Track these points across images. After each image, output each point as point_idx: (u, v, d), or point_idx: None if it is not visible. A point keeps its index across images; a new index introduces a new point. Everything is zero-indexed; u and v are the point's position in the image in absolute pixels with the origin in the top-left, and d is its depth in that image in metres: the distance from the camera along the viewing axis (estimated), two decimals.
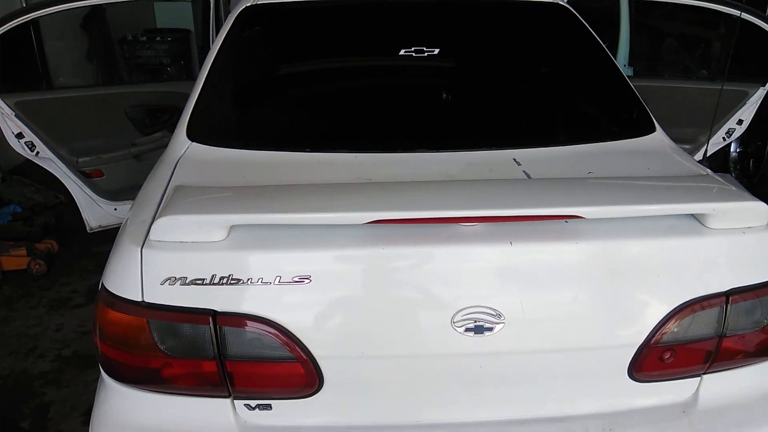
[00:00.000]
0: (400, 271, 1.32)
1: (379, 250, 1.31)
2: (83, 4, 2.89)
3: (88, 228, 3.18)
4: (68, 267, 3.69)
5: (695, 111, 3.30)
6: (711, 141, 3.42)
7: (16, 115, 2.81)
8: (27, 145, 2.90)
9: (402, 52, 2.08)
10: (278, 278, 1.30)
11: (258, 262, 1.31)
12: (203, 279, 1.29)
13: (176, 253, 1.31)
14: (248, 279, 1.30)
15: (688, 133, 3.31)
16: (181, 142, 1.83)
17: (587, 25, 2.30)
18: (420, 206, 1.30)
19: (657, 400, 1.47)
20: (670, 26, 6.37)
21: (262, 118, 1.99)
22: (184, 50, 7.29)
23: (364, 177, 1.60)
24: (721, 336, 1.42)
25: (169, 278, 1.30)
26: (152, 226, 1.30)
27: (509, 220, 1.32)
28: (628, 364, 1.41)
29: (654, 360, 1.41)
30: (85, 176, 3.08)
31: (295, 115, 1.97)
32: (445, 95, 2.05)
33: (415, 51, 2.07)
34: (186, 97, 3.18)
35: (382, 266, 1.32)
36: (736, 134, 3.44)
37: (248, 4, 2.24)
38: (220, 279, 1.29)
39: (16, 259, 3.56)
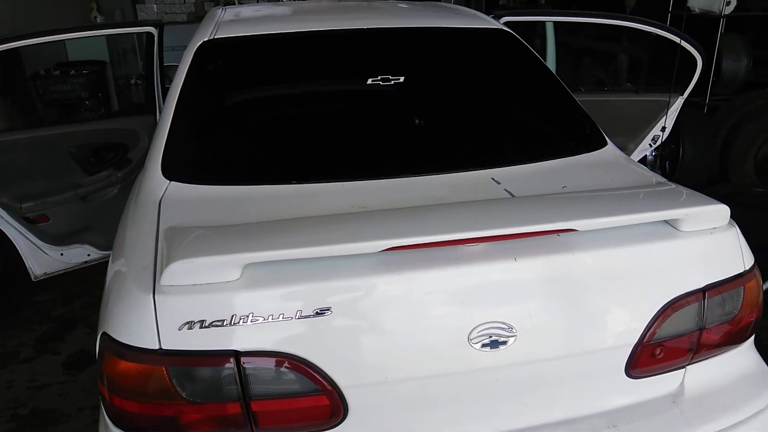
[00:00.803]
0: (417, 294, 1.37)
1: (396, 276, 1.35)
2: (26, 42, 2.78)
3: (32, 277, 3.01)
4: (9, 319, 3.46)
5: (623, 121, 3.57)
6: (639, 148, 3.72)
7: None
8: None
9: (369, 81, 2.14)
10: (298, 312, 1.31)
11: (277, 299, 1.32)
12: (222, 320, 1.29)
13: (192, 297, 1.29)
14: (269, 316, 1.30)
15: (618, 141, 3.57)
16: (157, 182, 1.80)
17: (532, 50, 2.46)
18: (433, 231, 1.35)
19: (650, 394, 1.58)
20: (582, 43, 6.83)
21: (240, 152, 1.99)
22: (101, 83, 7.05)
23: (359, 205, 1.64)
24: (701, 329, 1.57)
25: (188, 323, 1.28)
26: (164, 271, 1.28)
27: (513, 238, 1.40)
28: (625, 363, 1.52)
29: (647, 357, 1.53)
30: (29, 222, 2.92)
31: (273, 147, 1.98)
32: (417, 121, 2.13)
33: (381, 79, 2.14)
34: (134, 134, 3.13)
35: (399, 292, 1.36)
36: (660, 140, 3.74)
37: (205, 39, 2.23)
38: (240, 318, 1.29)
39: None
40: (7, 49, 2.87)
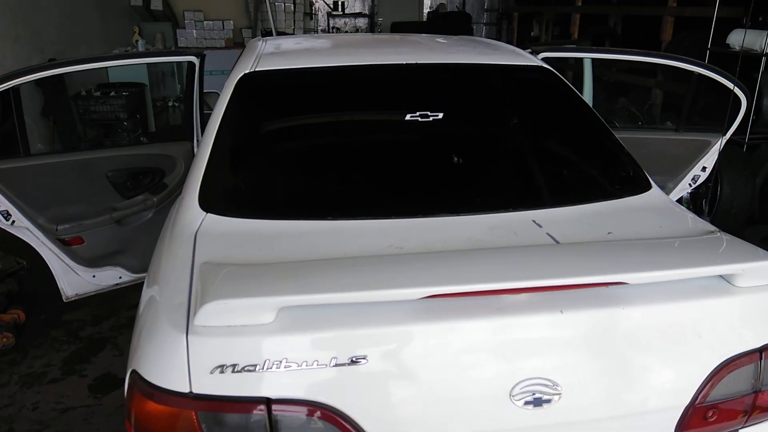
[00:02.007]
0: (457, 345, 1.31)
1: (435, 325, 1.30)
2: (71, 69, 2.83)
3: (64, 297, 3.03)
4: (38, 338, 3.49)
5: (663, 159, 3.48)
6: (678, 187, 3.62)
7: None
8: (2, 215, 2.77)
9: (408, 117, 2.11)
10: (333, 360, 1.27)
11: (311, 344, 1.28)
12: (255, 365, 1.25)
13: (225, 339, 1.26)
14: (302, 362, 1.26)
15: (657, 180, 3.48)
16: (195, 214, 1.78)
17: (572, 87, 2.41)
18: (475, 279, 1.30)
19: None
20: (616, 77, 6.75)
21: (278, 186, 1.97)
22: (139, 105, 7.20)
23: (395, 245, 1.60)
24: (757, 391, 1.47)
25: (220, 366, 1.25)
26: (198, 311, 1.25)
27: (559, 289, 1.34)
28: (675, 426, 1.44)
29: (699, 419, 1.44)
30: (64, 244, 2.95)
31: (311, 182, 1.96)
32: (455, 159, 2.09)
33: (420, 116, 2.11)
34: (171, 159, 3.15)
35: (438, 342, 1.31)
36: (701, 180, 3.64)
37: (247, 71, 2.23)
38: (273, 364, 1.25)
39: None
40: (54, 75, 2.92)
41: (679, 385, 1.42)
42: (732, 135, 3.53)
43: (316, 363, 1.26)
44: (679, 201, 5.33)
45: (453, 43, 2.86)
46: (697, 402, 1.42)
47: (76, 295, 3.06)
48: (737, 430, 1.51)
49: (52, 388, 3.05)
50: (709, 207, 5.16)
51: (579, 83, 4.51)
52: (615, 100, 5.83)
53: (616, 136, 2.24)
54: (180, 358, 1.25)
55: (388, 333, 1.31)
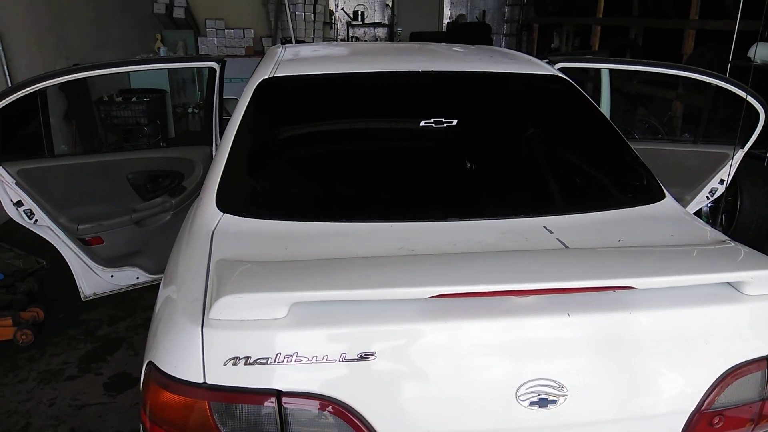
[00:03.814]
0: (464, 344, 1.33)
1: (443, 324, 1.32)
2: (94, 73, 2.91)
3: (82, 296, 3.09)
4: (56, 336, 3.56)
5: (680, 171, 3.47)
6: (695, 200, 3.60)
7: (16, 183, 2.76)
8: (26, 213, 2.84)
9: (423, 123, 2.15)
10: (342, 355, 1.30)
11: (322, 339, 1.31)
12: (267, 358, 1.28)
13: (239, 332, 1.29)
14: (312, 357, 1.29)
15: (675, 192, 3.47)
16: (212, 214, 1.83)
17: (588, 97, 2.43)
18: (484, 280, 1.32)
19: None
20: (636, 88, 6.73)
21: (293, 188, 2.01)
22: (159, 110, 7.33)
23: (407, 248, 1.63)
24: (764, 399, 1.47)
25: (233, 358, 1.28)
26: (214, 305, 1.29)
27: (567, 292, 1.35)
28: (680, 431, 1.44)
29: (704, 425, 1.44)
30: (84, 243, 3.01)
31: (326, 185, 2.00)
32: (469, 165, 2.11)
33: (435, 122, 2.14)
34: (190, 163, 3.21)
35: (445, 340, 1.33)
36: (718, 193, 3.62)
37: (266, 77, 2.28)
38: (285, 357, 1.28)
39: (1, 330, 3.41)
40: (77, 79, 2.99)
41: (685, 391, 1.42)
42: (753, 149, 3.51)
43: (326, 358, 1.29)
44: (698, 214, 5.31)
45: (469, 52, 2.89)
46: (703, 408, 1.42)
47: (94, 294, 3.12)
48: None
49: (68, 385, 3.11)
50: (728, 221, 5.12)
51: (598, 95, 4.51)
52: (634, 110, 5.81)
53: (634, 147, 2.25)
54: (195, 349, 1.29)
55: (397, 331, 1.33)
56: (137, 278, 3.14)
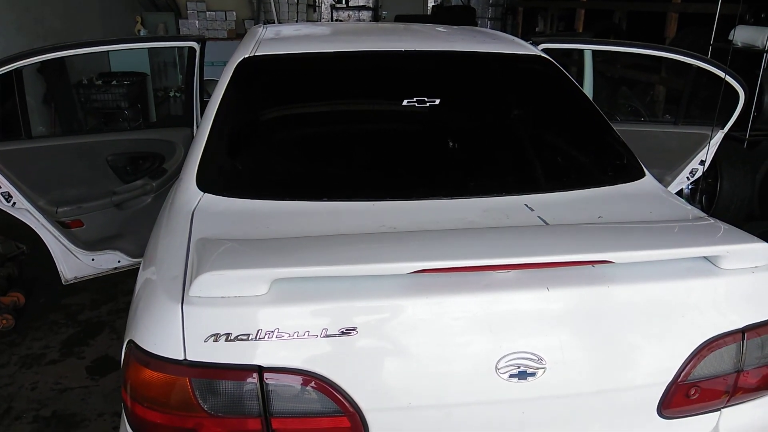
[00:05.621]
0: (445, 319, 1.34)
1: (424, 299, 1.33)
2: (72, 52, 2.86)
3: (63, 280, 3.06)
4: (37, 321, 3.52)
5: (661, 152, 3.50)
6: (676, 180, 3.64)
7: None
8: (3, 196, 2.80)
9: (405, 102, 2.14)
10: (324, 331, 1.30)
11: (303, 315, 1.31)
12: (248, 334, 1.28)
13: (219, 309, 1.29)
14: (294, 332, 1.29)
15: (656, 173, 3.50)
16: (192, 194, 1.81)
17: (570, 77, 2.43)
18: (463, 255, 1.33)
19: None
20: (619, 72, 6.77)
21: (274, 167, 2.00)
22: (140, 94, 7.22)
23: (388, 225, 1.63)
24: (739, 371, 1.50)
25: (213, 335, 1.28)
26: (194, 282, 1.28)
27: (546, 267, 1.37)
28: (657, 402, 1.47)
29: (681, 397, 1.47)
30: (63, 226, 2.98)
31: (307, 164, 1.99)
32: (451, 144, 2.11)
33: (417, 101, 2.14)
34: (171, 145, 3.18)
35: (426, 315, 1.34)
36: (698, 174, 3.66)
37: (246, 56, 2.26)
38: (266, 334, 1.28)
39: None
40: (55, 58, 2.94)
41: (661, 363, 1.44)
42: (733, 131, 3.55)
43: (307, 333, 1.29)
44: (679, 195, 5.37)
45: (453, 32, 2.88)
46: (679, 379, 1.45)
47: (75, 278, 3.09)
48: (719, 409, 1.54)
49: (50, 369, 3.09)
50: (709, 202, 5.19)
51: (581, 79, 4.53)
52: (617, 90, 5.85)
53: (616, 128, 2.26)
54: (175, 327, 1.29)
55: (378, 306, 1.34)
56: (119, 261, 3.12)
